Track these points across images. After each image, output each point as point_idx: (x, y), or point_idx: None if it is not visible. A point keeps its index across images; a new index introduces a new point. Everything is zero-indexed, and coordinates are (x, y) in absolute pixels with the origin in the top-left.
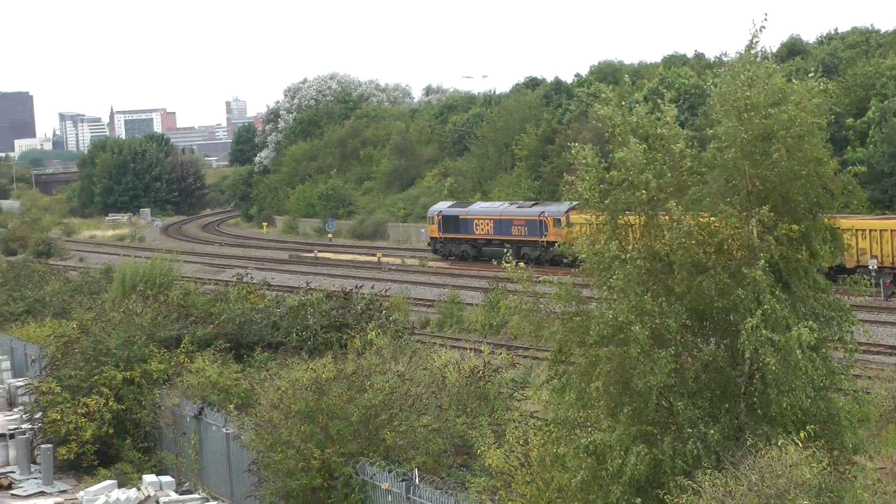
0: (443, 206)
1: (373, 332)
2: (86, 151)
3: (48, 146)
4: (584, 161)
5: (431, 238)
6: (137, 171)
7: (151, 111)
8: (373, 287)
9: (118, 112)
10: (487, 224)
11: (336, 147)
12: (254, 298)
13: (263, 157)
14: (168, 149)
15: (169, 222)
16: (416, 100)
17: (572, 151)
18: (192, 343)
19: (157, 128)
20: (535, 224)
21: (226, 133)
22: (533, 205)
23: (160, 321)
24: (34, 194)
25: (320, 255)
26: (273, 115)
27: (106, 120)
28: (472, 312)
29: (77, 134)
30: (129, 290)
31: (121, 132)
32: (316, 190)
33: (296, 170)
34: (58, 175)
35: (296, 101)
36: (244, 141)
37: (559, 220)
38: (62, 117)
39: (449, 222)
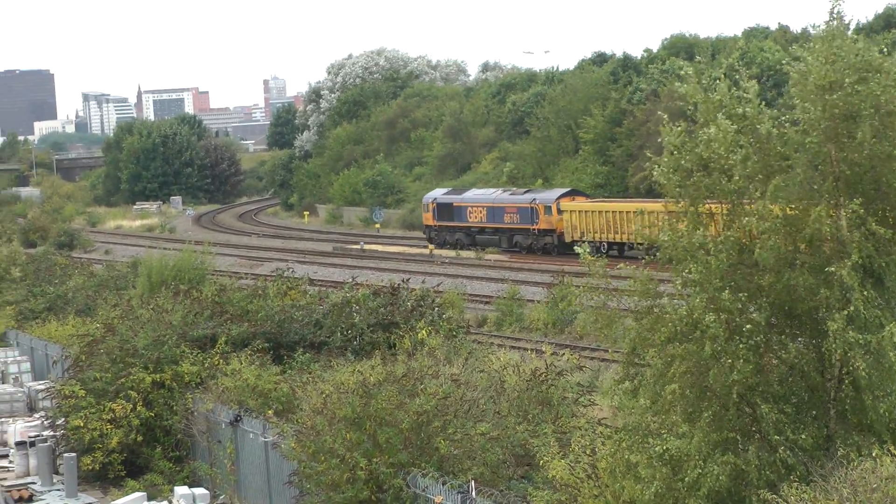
0: (438, 194)
1: (424, 332)
2: (111, 134)
3: (70, 129)
4: (670, 144)
5: (426, 226)
6: (167, 156)
7: (182, 91)
8: (423, 282)
9: (146, 92)
10: (481, 212)
11: (384, 129)
12: (294, 294)
13: (304, 140)
14: (200, 131)
15: (202, 211)
16: (471, 77)
17: (662, 132)
18: (228, 343)
19: (189, 109)
20: (527, 211)
21: (263, 114)
22: (525, 192)
23: (192, 319)
24: (55, 181)
25: (367, 247)
26: (315, 95)
27: (133, 100)
28: (533, 310)
29: (102, 115)
30: (157, 285)
31: (149, 113)
32: (362, 176)
33: (340, 154)
34: (81, 160)
35: (340, 79)
36: (283, 123)
37: (549, 207)
38: (86, 97)
39: (443, 210)
